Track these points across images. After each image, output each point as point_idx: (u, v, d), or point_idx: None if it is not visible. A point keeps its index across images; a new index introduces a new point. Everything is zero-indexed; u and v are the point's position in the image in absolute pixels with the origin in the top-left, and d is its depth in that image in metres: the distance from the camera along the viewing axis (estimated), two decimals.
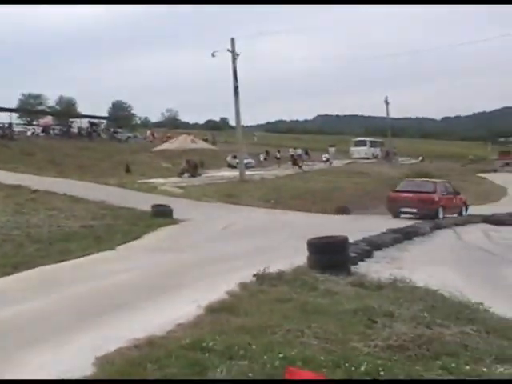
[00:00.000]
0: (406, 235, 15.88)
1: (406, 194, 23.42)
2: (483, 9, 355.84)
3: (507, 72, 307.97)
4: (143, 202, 21.02)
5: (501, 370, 5.55)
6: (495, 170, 66.48)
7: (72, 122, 59.71)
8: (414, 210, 22.81)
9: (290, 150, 56.35)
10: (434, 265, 12.32)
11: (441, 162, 71.73)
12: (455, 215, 24.25)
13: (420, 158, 74.85)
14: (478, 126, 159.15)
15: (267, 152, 56.36)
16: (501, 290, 10.82)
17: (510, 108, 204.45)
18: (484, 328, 6.88)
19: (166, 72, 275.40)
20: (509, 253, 15.34)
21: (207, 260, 12.07)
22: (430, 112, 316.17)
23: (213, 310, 7.39)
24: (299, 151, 56.84)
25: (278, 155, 53.44)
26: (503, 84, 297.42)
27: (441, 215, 23.01)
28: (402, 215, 22.95)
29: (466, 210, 26.08)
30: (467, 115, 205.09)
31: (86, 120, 59.47)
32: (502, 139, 78.46)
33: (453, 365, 5.55)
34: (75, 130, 56.91)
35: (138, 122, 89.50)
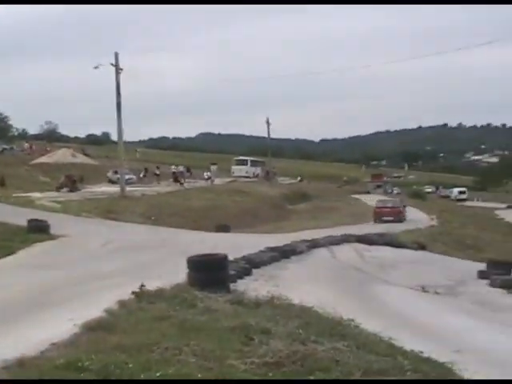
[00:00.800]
0: (283, 253, 16.29)
1: (385, 209, 37.40)
2: (356, 36, 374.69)
3: (379, 99, 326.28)
4: (18, 216, 20.22)
5: None
6: (368, 192, 69.42)
7: None
8: (391, 218, 35.46)
9: (172, 166, 55.97)
10: (309, 282, 12.73)
11: (318, 183, 74.23)
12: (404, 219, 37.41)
13: (298, 178, 77.01)
14: (353, 148, 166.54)
15: (146, 169, 55.60)
16: (371, 306, 11.39)
17: (382, 133, 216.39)
18: (355, 343, 7.20)
19: (47, 83, 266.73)
20: (379, 271, 16.16)
21: (85, 277, 11.79)
22: (309, 134, 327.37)
23: (89, 328, 7.22)
24: (181, 168, 56.61)
25: (157, 172, 52.90)
26: (375, 110, 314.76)
27: (403, 220, 36.29)
28: (381, 221, 34.85)
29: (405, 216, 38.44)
30: (343, 138, 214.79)
31: None
32: (375, 162, 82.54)
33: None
34: None
35: (15, 133, 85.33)
